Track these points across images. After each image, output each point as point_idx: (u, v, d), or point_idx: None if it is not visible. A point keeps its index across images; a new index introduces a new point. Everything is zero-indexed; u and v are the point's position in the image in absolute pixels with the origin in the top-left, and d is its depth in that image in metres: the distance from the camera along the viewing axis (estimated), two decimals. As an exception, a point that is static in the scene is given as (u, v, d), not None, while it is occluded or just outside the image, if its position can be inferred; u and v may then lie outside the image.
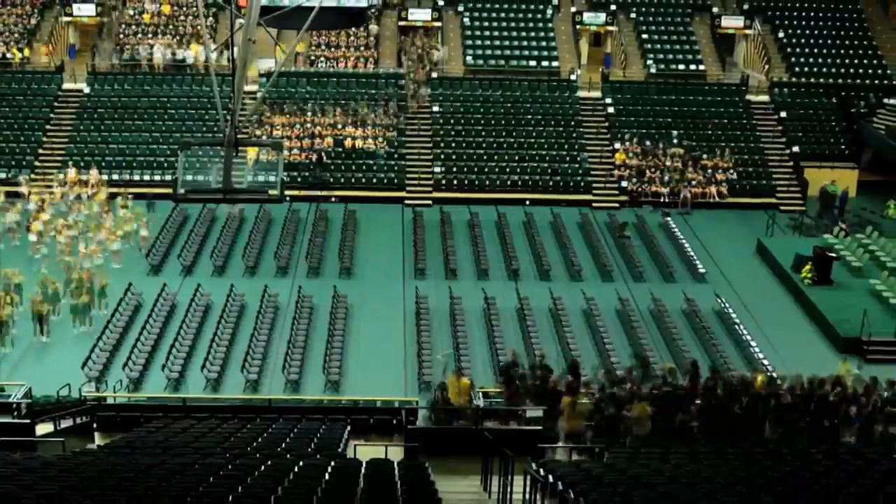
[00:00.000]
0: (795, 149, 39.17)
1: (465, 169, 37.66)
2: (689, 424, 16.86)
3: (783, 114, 40.54)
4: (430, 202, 36.24)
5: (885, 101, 40.42)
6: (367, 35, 42.31)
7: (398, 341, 26.01)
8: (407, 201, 36.41)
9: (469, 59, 41.97)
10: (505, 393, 18.57)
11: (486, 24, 43.38)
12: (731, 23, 43.41)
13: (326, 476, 12.11)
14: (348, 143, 38.27)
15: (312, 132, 38.54)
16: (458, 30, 43.32)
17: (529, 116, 39.63)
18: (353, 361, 24.83)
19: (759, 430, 17.10)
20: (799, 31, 43.72)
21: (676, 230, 33.87)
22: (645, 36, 43.28)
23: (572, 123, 39.49)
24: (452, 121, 39.55)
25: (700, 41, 43.31)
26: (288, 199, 33.38)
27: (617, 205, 36.34)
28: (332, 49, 42.08)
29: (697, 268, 30.79)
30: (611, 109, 40.30)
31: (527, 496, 12.00)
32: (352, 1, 21.23)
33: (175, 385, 23.30)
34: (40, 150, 37.75)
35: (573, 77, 41.31)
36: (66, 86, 40.33)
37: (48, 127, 38.72)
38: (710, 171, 37.74)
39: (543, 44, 42.62)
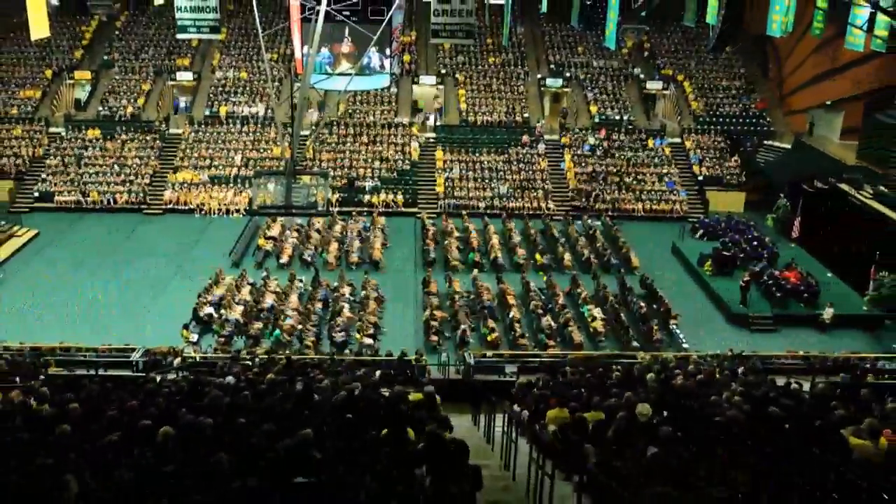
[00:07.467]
0: (700, 177, 39.44)
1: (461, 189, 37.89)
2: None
3: (691, 152, 40.75)
4: (435, 215, 36.43)
5: (765, 142, 40.65)
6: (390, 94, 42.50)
7: (410, 312, 26.25)
8: (418, 215, 36.55)
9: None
10: None
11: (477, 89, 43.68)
12: (653, 86, 43.65)
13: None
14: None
15: (350, 164, 38.79)
16: (455, 93, 43.55)
17: (505, 155, 39.80)
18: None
19: None
20: (702, 92, 43.87)
21: (618, 234, 33.72)
22: (590, 95, 43.46)
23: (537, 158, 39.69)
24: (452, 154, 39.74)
25: (630, 99, 43.53)
26: (331, 212, 33.68)
27: (570, 217, 36.47)
28: (365, 105, 42.30)
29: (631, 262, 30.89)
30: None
31: (504, 428, 12.07)
32: (376, 83, 21.79)
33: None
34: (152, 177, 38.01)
35: (538, 125, 41.55)
36: (171, 131, 40.58)
37: (156, 162, 38.93)
38: (637, 192, 38.00)
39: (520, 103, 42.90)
